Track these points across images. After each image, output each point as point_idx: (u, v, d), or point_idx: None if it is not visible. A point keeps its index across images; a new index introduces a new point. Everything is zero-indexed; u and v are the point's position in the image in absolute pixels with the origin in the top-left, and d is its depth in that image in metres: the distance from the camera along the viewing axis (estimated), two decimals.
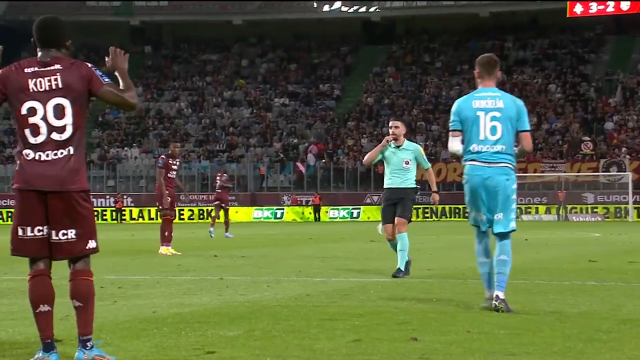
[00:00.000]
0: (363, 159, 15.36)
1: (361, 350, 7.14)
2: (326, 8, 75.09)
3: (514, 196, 9.84)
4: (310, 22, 75.57)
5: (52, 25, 6.49)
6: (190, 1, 76.74)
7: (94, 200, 59.38)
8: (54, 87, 6.21)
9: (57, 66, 6.25)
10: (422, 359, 6.73)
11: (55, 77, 6.22)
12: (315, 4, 75.39)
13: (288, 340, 7.69)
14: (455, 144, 9.97)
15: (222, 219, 32.51)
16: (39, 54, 6.38)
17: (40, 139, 6.21)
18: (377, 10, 75.04)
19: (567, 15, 70.20)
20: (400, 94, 72.48)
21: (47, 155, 6.20)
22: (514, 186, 9.81)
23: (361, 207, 62.63)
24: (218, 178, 34.58)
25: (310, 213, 62.11)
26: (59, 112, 6.23)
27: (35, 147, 6.21)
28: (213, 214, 34.16)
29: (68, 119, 6.27)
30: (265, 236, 33.06)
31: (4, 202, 59.61)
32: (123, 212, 63.06)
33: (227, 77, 76.66)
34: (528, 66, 71.74)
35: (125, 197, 64.02)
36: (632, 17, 71.18)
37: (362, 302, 10.69)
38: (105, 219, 61.81)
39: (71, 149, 6.26)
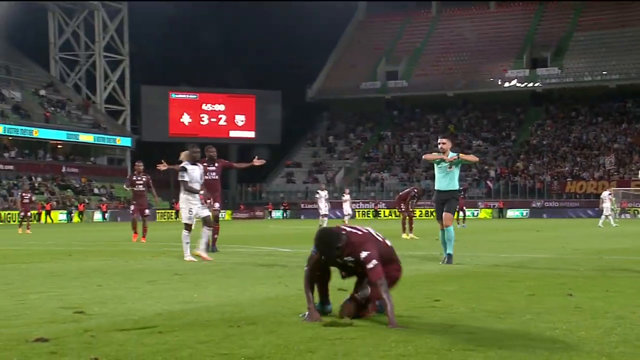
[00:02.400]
0: (425, 156, 12.66)
1: (535, 302, 6.95)
2: (507, 85, 73.85)
3: None
4: (497, 93, 74.51)
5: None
6: (424, 81, 76.74)
7: (359, 203, 60.22)
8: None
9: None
10: (576, 309, 6.47)
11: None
12: (499, 82, 74.23)
13: (485, 294, 7.54)
14: None
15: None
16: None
17: None
18: (540, 84, 73.35)
19: None
20: (555, 137, 70.43)
21: None
22: None
23: (529, 209, 61.04)
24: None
25: (496, 213, 60.99)
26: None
27: None
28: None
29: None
30: (468, 228, 32.59)
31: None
32: (379, 212, 63.87)
33: (443, 127, 76.25)
34: None
35: (380, 202, 64.75)
36: None
37: (533, 270, 10.38)
38: (369, 216, 62.93)
39: None
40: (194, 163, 12.67)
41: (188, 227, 12.69)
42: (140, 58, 77.08)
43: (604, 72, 71.37)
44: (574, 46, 75.70)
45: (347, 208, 34.39)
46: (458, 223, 33.89)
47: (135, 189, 19.50)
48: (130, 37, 76.99)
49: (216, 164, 14.67)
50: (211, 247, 14.18)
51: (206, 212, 12.80)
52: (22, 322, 5.97)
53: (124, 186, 21.05)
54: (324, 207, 32.47)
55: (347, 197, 34.83)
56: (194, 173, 12.54)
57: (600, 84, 71.40)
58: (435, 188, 12.01)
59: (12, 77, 69.82)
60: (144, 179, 19.48)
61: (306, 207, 67.01)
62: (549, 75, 73.65)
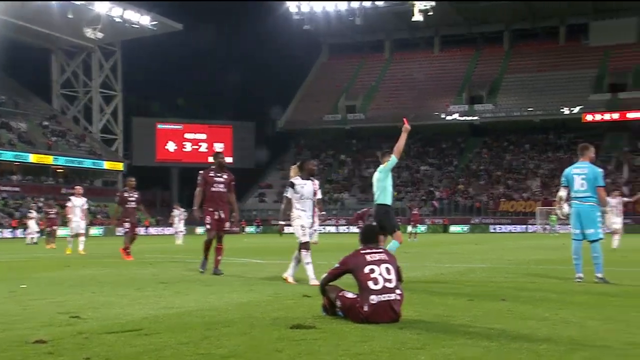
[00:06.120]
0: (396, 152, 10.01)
1: (474, 306, 6.97)
2: (449, 118, 74.50)
3: (597, 220, 9.77)
4: (441, 125, 75.06)
5: (374, 230, 6.38)
6: (378, 114, 77.14)
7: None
8: (382, 258, 5.98)
9: (381, 249, 6.11)
10: (508, 312, 6.50)
11: (382, 254, 6.05)
12: (443, 115, 74.85)
13: (431, 299, 7.49)
14: (561, 192, 10.01)
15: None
16: (366, 246, 6.10)
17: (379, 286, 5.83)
18: (477, 118, 74.15)
19: (582, 121, 67.94)
20: (490, 163, 71.21)
21: (384, 297, 5.76)
22: (597, 213, 9.73)
23: (469, 225, 61.44)
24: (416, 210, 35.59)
25: (441, 228, 61.28)
26: (389, 271, 5.91)
27: (376, 292, 5.78)
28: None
29: (393, 275, 5.91)
30: (418, 241, 32.59)
31: None
32: (338, 227, 63.54)
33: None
34: (562, 148, 69.38)
35: (340, 219, 64.62)
36: (620, 123, 68.26)
37: (472, 278, 10.42)
38: (331, 231, 62.46)
39: (397, 290, 5.87)
40: (307, 178, 10.04)
41: (305, 245, 9.89)
42: (132, 93, 76.87)
43: (530, 109, 72.51)
44: (505, 86, 76.88)
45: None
46: (409, 237, 33.94)
47: (127, 205, 16.82)
48: (123, 76, 76.81)
49: (225, 175, 11.83)
50: (213, 270, 11.52)
51: (314, 237, 10.20)
52: (24, 325, 5.84)
53: (116, 203, 17.48)
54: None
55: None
56: (304, 189, 9.95)
57: (527, 118, 72.43)
58: (389, 202, 10.36)
59: (19, 110, 69.18)
60: (135, 196, 16.86)
61: (276, 223, 66.91)
62: (485, 110, 74.54)
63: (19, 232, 52.91)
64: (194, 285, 9.44)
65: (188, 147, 74.06)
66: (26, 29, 67.72)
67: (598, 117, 67.81)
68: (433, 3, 72.82)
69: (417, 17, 74.55)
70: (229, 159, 75.16)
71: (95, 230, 57.85)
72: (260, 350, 4.68)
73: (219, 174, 11.74)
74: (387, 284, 5.83)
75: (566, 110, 69.88)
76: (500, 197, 64.43)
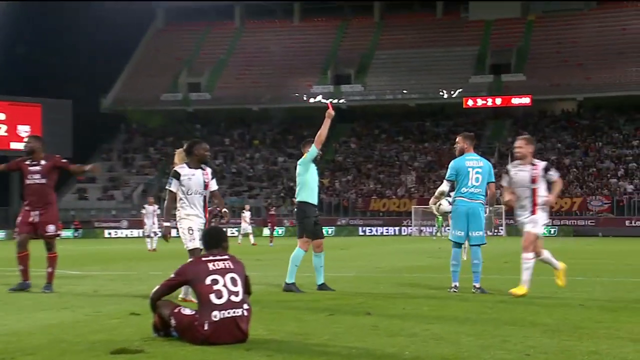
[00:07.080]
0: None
1: (334, 321, 7.12)
2: (312, 100, 75.48)
3: (483, 221, 10.05)
4: (302, 108, 75.61)
5: (219, 233, 6.35)
6: (228, 94, 76.92)
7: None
8: (227, 267, 6.01)
9: (227, 256, 6.12)
10: (373, 327, 6.71)
11: (227, 262, 6.06)
12: (305, 97, 75.70)
13: (285, 314, 7.58)
14: (443, 187, 10.17)
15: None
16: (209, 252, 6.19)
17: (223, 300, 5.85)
18: (344, 101, 75.51)
19: (463, 106, 70.91)
20: (359, 153, 72.91)
21: (229, 313, 5.79)
22: (484, 214, 10.05)
23: (334, 227, 62.54)
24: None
25: None
26: (235, 282, 5.94)
27: (219, 307, 5.80)
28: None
29: (240, 287, 5.94)
30: (275, 246, 32.89)
31: None
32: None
33: (248, 142, 76.78)
34: (440, 137, 72.18)
35: None
36: (503, 109, 72.12)
37: (337, 288, 10.63)
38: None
39: (244, 305, 5.90)
40: (196, 166, 9.36)
41: (194, 252, 9.32)
42: None
43: (404, 91, 74.63)
44: (375, 64, 78.68)
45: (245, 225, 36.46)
46: (271, 241, 34.40)
47: None
48: None
49: (42, 162, 11.17)
50: (44, 286, 10.84)
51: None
52: None
53: None
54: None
55: (247, 213, 36.89)
56: (192, 181, 9.28)
57: (401, 102, 74.61)
58: (312, 201, 11.22)
59: None
60: None
61: (101, 225, 65.28)
62: (353, 92, 76.10)
63: None
64: None
65: None
66: None
67: (480, 102, 71.04)
68: None
69: None
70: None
71: None
72: None
73: (34, 162, 11.12)
74: (233, 298, 5.83)
75: (445, 94, 72.76)
76: (370, 195, 66.14)
